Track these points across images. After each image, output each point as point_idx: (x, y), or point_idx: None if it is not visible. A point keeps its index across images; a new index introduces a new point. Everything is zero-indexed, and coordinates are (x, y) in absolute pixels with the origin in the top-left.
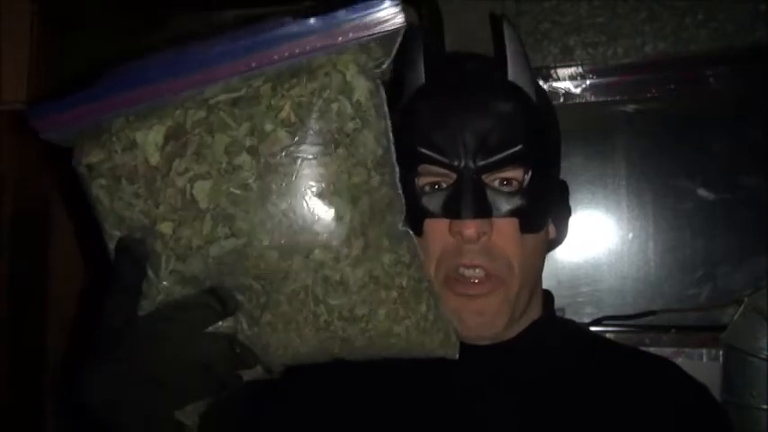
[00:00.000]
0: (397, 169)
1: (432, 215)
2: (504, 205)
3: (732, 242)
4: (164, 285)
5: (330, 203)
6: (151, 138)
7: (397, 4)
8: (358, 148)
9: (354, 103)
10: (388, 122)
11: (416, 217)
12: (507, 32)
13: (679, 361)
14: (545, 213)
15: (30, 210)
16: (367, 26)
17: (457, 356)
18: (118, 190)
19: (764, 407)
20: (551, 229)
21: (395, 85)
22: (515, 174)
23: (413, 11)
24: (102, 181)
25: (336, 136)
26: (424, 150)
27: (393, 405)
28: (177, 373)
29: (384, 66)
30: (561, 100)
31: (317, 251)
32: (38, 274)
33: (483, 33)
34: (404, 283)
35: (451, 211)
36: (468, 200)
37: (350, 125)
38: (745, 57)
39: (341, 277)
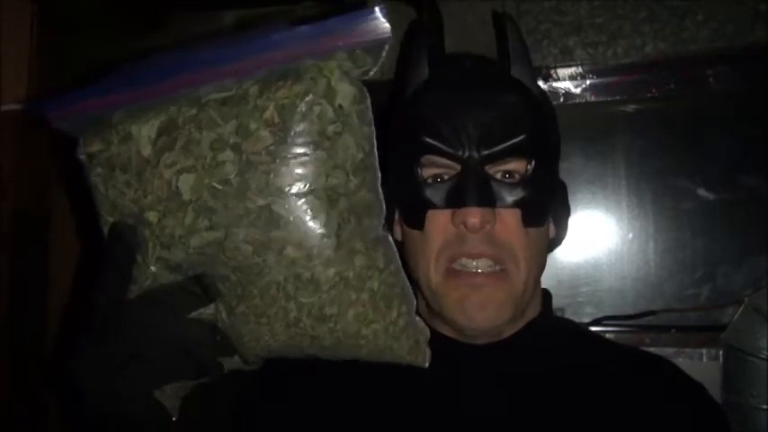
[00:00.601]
0: (379, 175)
1: (434, 206)
2: (508, 196)
3: (732, 242)
4: (151, 271)
5: (306, 203)
6: (145, 131)
7: (386, 15)
8: (338, 151)
9: (336, 107)
10: (372, 128)
11: (419, 209)
12: (510, 30)
13: (679, 361)
14: (546, 207)
15: (30, 210)
16: (354, 35)
17: (426, 365)
18: (112, 178)
19: (764, 407)
20: (551, 228)
21: (399, 80)
22: (518, 166)
23: (413, 12)
24: (100, 170)
25: (317, 138)
26: (428, 140)
27: (391, 404)
28: (160, 353)
29: (371, 73)
30: (561, 100)
31: (289, 248)
32: (38, 274)
33: (483, 34)
34: (375, 287)
35: (455, 200)
36: (473, 189)
37: (330, 128)
38: (745, 57)
39: (312, 276)
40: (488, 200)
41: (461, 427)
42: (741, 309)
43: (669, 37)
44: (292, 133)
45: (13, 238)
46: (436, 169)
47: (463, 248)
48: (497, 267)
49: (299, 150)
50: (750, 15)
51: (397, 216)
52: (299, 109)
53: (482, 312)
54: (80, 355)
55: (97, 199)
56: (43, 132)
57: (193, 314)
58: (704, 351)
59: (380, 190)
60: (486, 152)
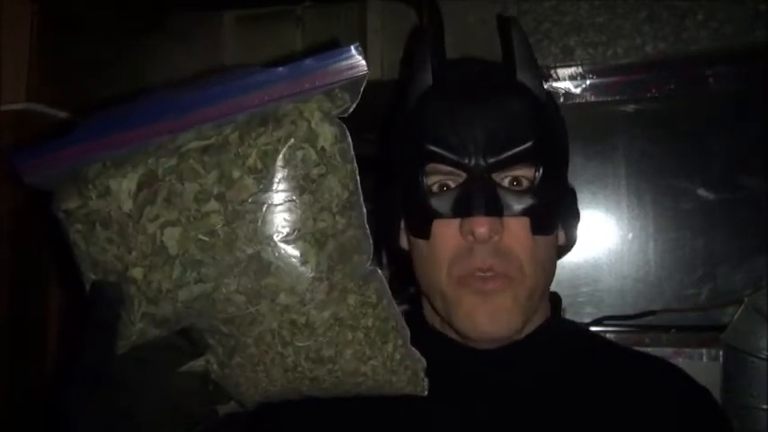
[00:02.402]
0: (365, 210)
1: (441, 216)
2: (516, 204)
3: (732, 242)
4: (137, 327)
5: (295, 248)
6: (125, 185)
7: (361, 53)
8: (323, 193)
9: (319, 150)
10: (355, 165)
11: (425, 219)
12: (516, 34)
13: (679, 361)
14: (555, 215)
15: (30, 209)
16: (332, 74)
17: (425, 393)
18: (93, 235)
19: (764, 407)
20: (561, 235)
21: (403, 86)
22: (526, 172)
23: (413, 11)
24: (79, 226)
25: (302, 182)
26: (433, 148)
27: (398, 409)
28: (150, 410)
29: (350, 110)
30: (561, 100)
31: (282, 295)
32: (38, 273)
33: (483, 34)
34: (369, 324)
35: (462, 209)
36: (480, 197)
37: (314, 171)
38: (745, 57)
39: (306, 320)
40: (496, 209)
41: (473, 429)
42: (741, 309)
43: (669, 37)
44: (276, 179)
45: (13, 238)
46: (442, 177)
47: (473, 262)
48: (504, 274)
49: (285, 196)
50: (750, 15)
51: (402, 225)
52: (281, 155)
53: (492, 324)
54: (71, 417)
55: (78, 256)
56: (42, 132)
57: (183, 368)
58: (704, 351)
59: (367, 225)
60: (492, 160)
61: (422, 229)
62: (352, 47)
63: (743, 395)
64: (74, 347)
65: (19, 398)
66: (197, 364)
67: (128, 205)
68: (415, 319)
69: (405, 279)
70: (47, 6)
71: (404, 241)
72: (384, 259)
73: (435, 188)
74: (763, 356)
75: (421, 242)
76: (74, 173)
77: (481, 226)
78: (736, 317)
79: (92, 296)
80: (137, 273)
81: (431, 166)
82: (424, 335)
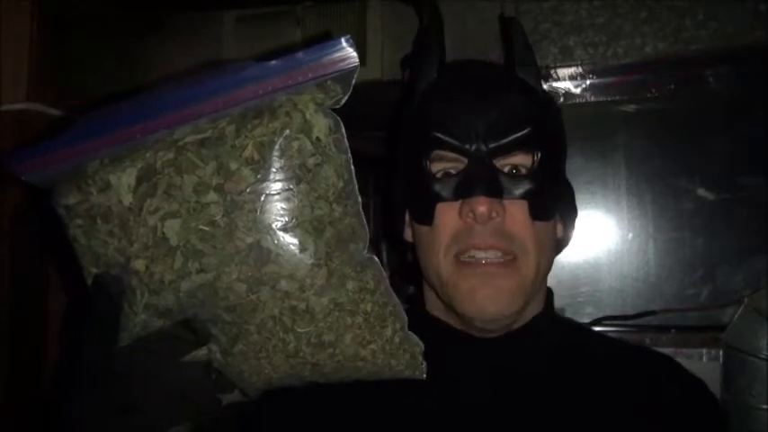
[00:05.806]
0: (360, 200)
1: (443, 199)
2: (515, 188)
3: (732, 242)
4: (140, 318)
5: (294, 236)
6: (124, 180)
7: (352, 45)
8: (319, 182)
9: (314, 140)
10: (349, 156)
11: (428, 203)
12: (516, 33)
13: (679, 361)
14: (553, 201)
15: (30, 211)
16: (324, 66)
17: (424, 377)
18: (94, 229)
19: (764, 407)
20: (559, 227)
21: (409, 82)
22: (524, 160)
23: (413, 11)
24: (79, 221)
25: (298, 172)
26: (437, 135)
27: (394, 395)
28: (155, 401)
29: (342, 101)
30: (561, 100)
31: (282, 282)
32: (39, 272)
33: (483, 34)
34: (368, 309)
35: (463, 191)
36: (480, 180)
37: (310, 161)
38: (745, 57)
39: (307, 306)
40: (496, 190)
41: (469, 419)
42: (741, 309)
43: (669, 37)
44: (273, 170)
45: (13, 238)
46: (445, 164)
47: (472, 240)
48: (507, 258)
49: (282, 186)
50: (750, 15)
51: (407, 218)
52: (277, 145)
53: (493, 305)
54: (75, 412)
55: (78, 251)
56: (42, 132)
57: (187, 358)
58: (704, 351)
59: (362, 214)
60: (492, 145)
61: (425, 215)
62: (343, 39)
63: (743, 395)
64: (76, 342)
65: (19, 398)
66: (200, 353)
67: (128, 199)
68: (416, 308)
69: (405, 278)
70: (47, 6)
71: (408, 235)
72: (384, 259)
73: (439, 174)
74: (763, 356)
75: (424, 228)
76: (73, 170)
77: (481, 205)
78: (736, 317)
79: (94, 289)
80: (139, 264)
81: (435, 153)
82: (425, 323)
